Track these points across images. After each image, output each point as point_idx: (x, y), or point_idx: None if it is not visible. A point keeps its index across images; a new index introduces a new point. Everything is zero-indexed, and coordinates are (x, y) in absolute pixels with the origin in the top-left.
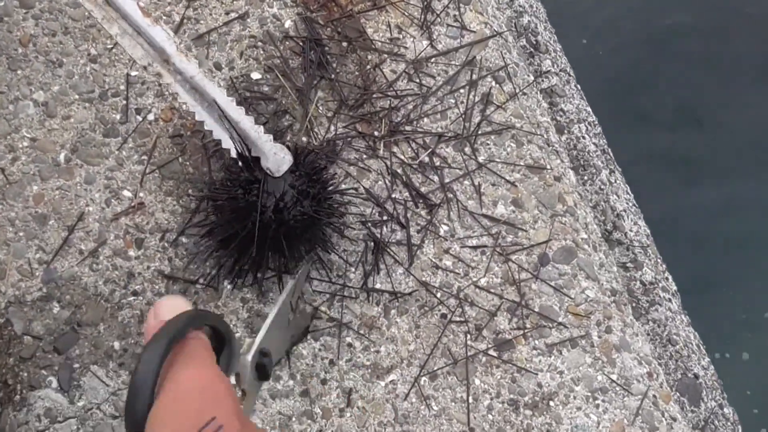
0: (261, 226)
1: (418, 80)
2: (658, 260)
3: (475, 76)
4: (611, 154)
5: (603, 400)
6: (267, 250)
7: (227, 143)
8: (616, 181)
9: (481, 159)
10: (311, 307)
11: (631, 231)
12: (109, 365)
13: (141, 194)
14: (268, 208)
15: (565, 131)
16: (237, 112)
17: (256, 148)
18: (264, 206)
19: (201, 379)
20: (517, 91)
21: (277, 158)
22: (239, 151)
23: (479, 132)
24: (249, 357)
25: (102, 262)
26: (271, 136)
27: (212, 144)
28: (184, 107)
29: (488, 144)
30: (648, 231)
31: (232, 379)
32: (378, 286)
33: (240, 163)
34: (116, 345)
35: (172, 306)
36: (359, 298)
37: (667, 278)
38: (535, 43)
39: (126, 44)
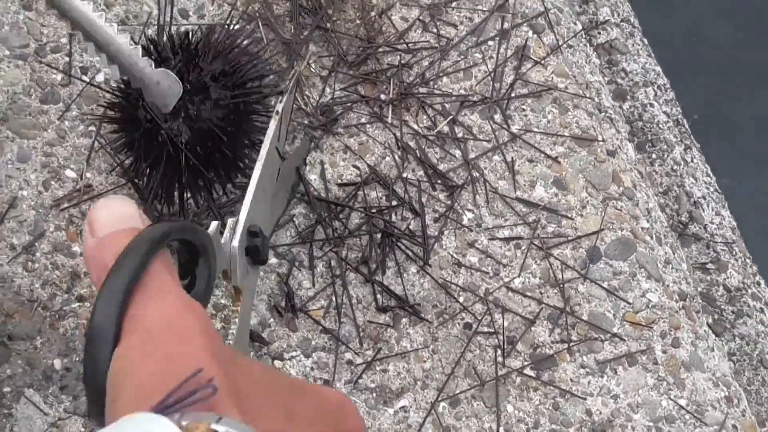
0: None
1: (435, 30)
2: (747, 260)
3: (507, 25)
4: (686, 126)
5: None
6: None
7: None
8: (693, 161)
9: (514, 129)
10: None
11: (712, 223)
12: (49, 389)
13: (88, 175)
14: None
15: (628, 97)
16: (107, 30)
17: (134, 77)
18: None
19: (166, 313)
20: (561, 43)
21: (161, 89)
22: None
23: (512, 95)
24: (235, 243)
25: (39, 260)
26: (151, 61)
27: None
28: None
29: (524, 110)
30: (734, 224)
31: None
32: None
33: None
34: (57, 363)
35: (116, 214)
36: (362, 303)
37: (758, 283)
38: None
39: None
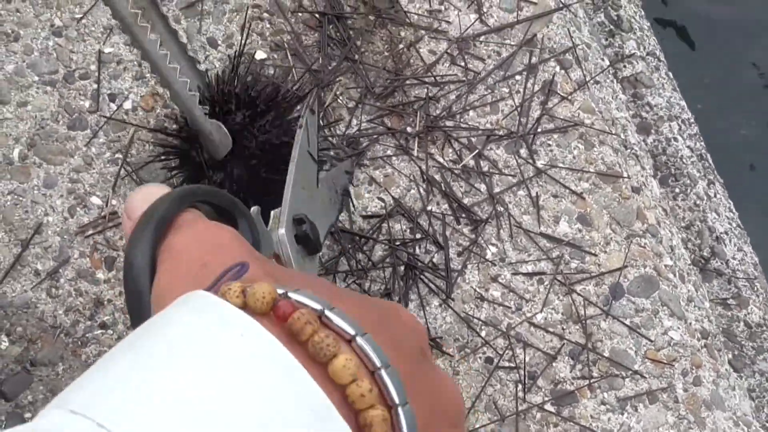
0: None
1: (463, 64)
2: None
3: (534, 60)
4: (710, 161)
5: None
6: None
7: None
8: (716, 196)
9: (540, 164)
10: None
11: (734, 259)
12: None
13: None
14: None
15: (652, 131)
16: (169, 71)
17: (192, 120)
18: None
19: (195, 232)
20: (588, 78)
21: (212, 139)
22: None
23: (539, 130)
24: (282, 230)
25: (63, 287)
26: (206, 109)
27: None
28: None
29: (549, 145)
30: (756, 259)
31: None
32: None
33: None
34: None
35: (149, 196)
36: None
37: None
38: (616, 18)
39: None
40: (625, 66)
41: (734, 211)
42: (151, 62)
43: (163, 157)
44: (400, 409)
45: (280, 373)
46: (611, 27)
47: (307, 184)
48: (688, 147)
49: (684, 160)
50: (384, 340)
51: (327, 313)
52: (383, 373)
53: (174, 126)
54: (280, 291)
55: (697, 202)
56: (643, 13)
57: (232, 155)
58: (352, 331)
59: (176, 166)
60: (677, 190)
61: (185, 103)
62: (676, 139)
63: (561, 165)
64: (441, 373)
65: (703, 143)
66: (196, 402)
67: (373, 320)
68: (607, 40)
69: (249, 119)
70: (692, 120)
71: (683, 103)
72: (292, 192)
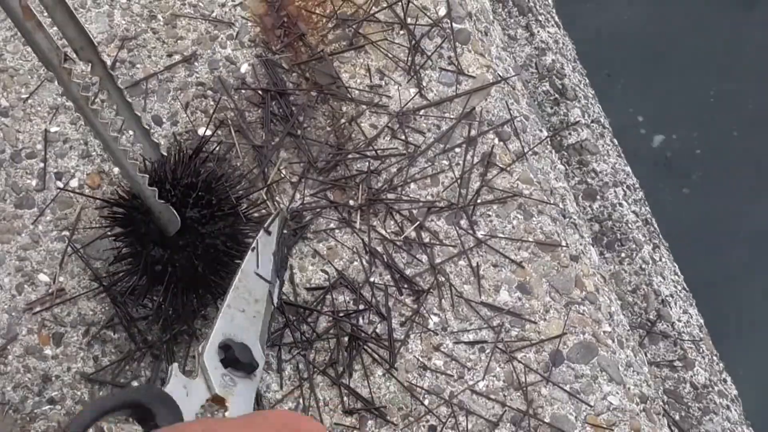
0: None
1: (403, 137)
2: (714, 358)
3: (474, 132)
4: (655, 226)
5: None
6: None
7: None
8: (661, 260)
9: (480, 234)
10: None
11: (679, 321)
12: None
13: (61, 279)
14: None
15: (598, 197)
16: (120, 153)
17: (142, 199)
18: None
19: None
20: (526, 150)
21: (162, 218)
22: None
23: (478, 201)
24: (204, 357)
25: (11, 363)
26: (155, 191)
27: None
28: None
29: (489, 216)
30: (701, 321)
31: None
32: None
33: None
34: None
35: None
36: (329, 405)
37: (724, 380)
38: (560, 87)
39: None
40: (570, 133)
41: (679, 274)
42: (102, 141)
43: (111, 227)
44: None
45: None
46: (556, 95)
47: (251, 305)
48: (633, 212)
49: (629, 225)
50: None
51: None
52: None
53: (126, 198)
54: None
55: (643, 266)
56: (587, 81)
57: (181, 234)
58: None
59: (125, 236)
60: (623, 254)
61: (135, 183)
62: (621, 205)
63: (501, 235)
64: None
65: (648, 208)
66: None
67: None
68: (552, 108)
69: (197, 208)
70: (637, 185)
71: (628, 168)
72: (223, 318)
